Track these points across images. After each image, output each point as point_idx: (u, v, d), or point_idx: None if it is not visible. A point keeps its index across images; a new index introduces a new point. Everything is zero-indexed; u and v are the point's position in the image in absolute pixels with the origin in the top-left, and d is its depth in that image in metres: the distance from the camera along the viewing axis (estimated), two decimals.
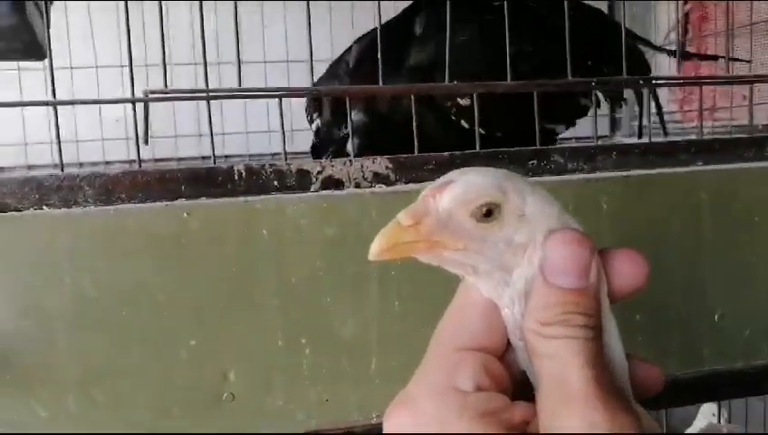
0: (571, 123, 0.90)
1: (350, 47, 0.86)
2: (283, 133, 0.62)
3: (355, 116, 0.73)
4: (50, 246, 0.54)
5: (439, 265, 0.35)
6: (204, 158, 1.35)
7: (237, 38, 0.62)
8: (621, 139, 1.79)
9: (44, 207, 0.55)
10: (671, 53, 1.11)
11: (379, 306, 0.60)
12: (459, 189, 0.33)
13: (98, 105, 1.09)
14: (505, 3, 0.62)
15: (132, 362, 0.56)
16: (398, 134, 0.62)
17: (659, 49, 1.12)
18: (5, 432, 0.55)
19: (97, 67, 1.42)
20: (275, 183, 0.59)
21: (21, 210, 0.54)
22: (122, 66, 1.58)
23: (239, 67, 0.61)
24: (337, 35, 1.34)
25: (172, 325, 0.56)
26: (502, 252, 0.34)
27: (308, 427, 0.60)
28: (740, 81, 0.95)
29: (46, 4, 0.57)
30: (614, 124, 1.84)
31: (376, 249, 0.33)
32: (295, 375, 0.59)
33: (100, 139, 1.54)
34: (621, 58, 0.68)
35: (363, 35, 0.85)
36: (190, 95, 0.60)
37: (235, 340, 0.58)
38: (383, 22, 0.62)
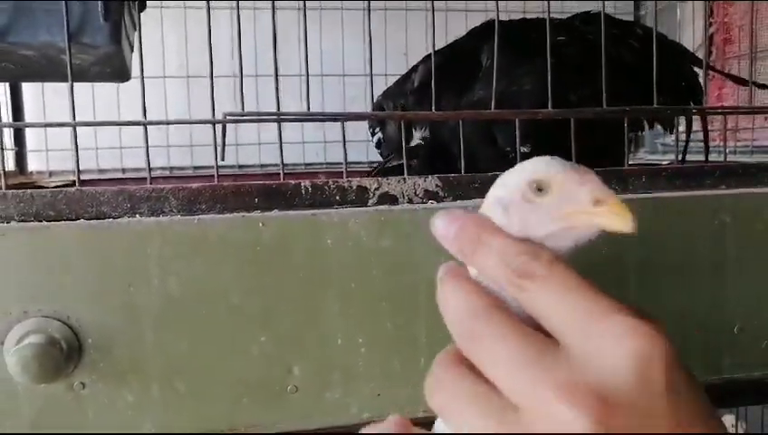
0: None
1: (417, 65, 0.91)
2: (345, 151, 0.68)
3: (418, 135, 0.79)
4: (140, 251, 0.61)
5: None
6: (262, 165, 1.44)
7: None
8: (644, 155, 1.84)
9: (136, 216, 0.62)
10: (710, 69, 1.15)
11: (427, 310, 0.66)
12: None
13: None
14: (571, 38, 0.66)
15: (209, 356, 0.63)
16: (455, 160, 0.68)
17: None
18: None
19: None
20: (337, 198, 0.66)
21: (116, 218, 0.61)
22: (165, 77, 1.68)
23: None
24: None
25: (245, 324, 0.63)
26: None
27: (360, 419, 0.66)
28: None
29: (138, 32, 0.64)
30: (637, 142, 1.89)
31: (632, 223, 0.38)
32: (352, 371, 0.66)
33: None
34: (680, 86, 0.73)
35: (428, 56, 0.90)
36: (262, 118, 0.66)
37: (300, 338, 0.64)
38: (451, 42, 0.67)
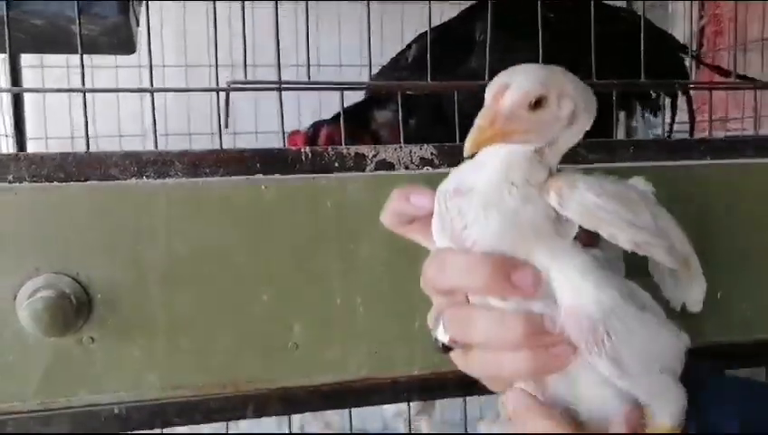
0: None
1: (410, 44, 0.95)
2: (342, 119, 0.71)
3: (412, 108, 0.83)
4: (147, 211, 0.64)
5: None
6: None
7: (308, 43, 0.71)
8: None
9: (143, 178, 0.64)
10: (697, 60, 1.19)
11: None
12: (515, 93, 0.45)
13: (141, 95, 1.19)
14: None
15: (213, 313, 0.65)
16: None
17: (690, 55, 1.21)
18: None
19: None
20: (336, 164, 0.69)
21: (123, 180, 0.64)
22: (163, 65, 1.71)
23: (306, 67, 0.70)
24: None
25: (247, 283, 0.66)
26: (552, 126, 0.46)
27: (358, 376, 0.69)
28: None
29: (147, 4, 0.67)
30: (629, 133, 1.91)
31: (468, 147, 0.44)
32: (350, 330, 0.68)
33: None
34: (667, 68, 0.76)
35: (422, 34, 0.94)
36: (266, 86, 0.69)
37: (301, 297, 0.67)
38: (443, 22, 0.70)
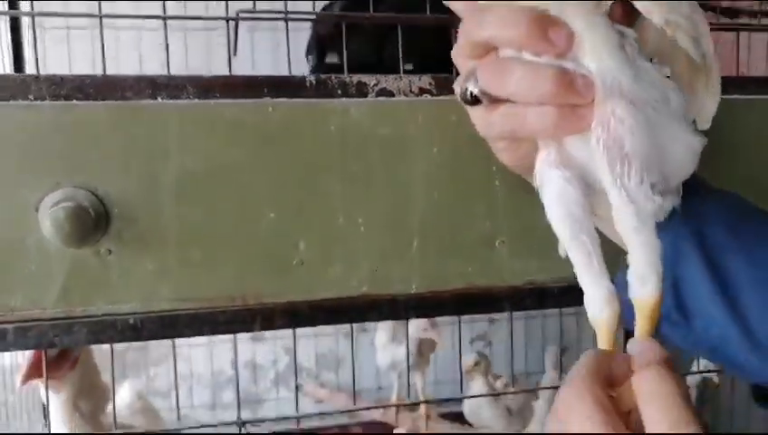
0: None
1: None
2: (344, 52, 0.75)
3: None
4: (161, 130, 0.67)
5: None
6: None
7: None
8: None
9: (157, 99, 0.68)
10: None
11: (422, 196, 0.73)
12: None
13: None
14: None
15: (223, 229, 0.69)
16: None
17: None
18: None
19: None
20: (339, 91, 0.72)
21: (138, 101, 0.68)
22: None
23: None
24: None
25: (255, 200, 0.70)
26: None
27: (359, 292, 0.73)
28: None
29: None
30: None
31: None
32: (351, 248, 0.72)
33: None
34: None
35: None
36: (271, 16, 0.73)
37: (306, 215, 0.71)
38: None
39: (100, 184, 0.66)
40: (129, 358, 2.79)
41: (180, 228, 0.69)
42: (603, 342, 0.52)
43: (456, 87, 0.56)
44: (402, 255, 0.73)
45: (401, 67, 0.83)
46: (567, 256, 0.55)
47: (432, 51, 0.82)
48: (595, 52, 0.49)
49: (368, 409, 2.33)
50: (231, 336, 2.86)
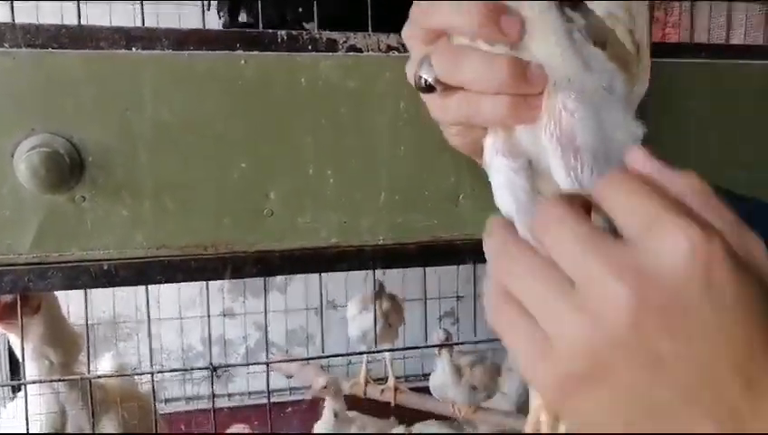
0: None
1: None
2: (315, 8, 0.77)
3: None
4: (136, 79, 0.69)
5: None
6: None
7: None
8: None
9: (132, 49, 0.69)
10: None
11: (389, 150, 0.76)
12: None
13: None
14: None
15: (196, 178, 0.71)
16: None
17: None
18: None
19: None
20: (310, 47, 0.74)
21: (113, 51, 0.69)
22: None
23: None
24: None
25: (227, 150, 0.72)
26: None
27: (328, 243, 0.76)
28: None
29: None
30: None
31: None
32: (321, 199, 0.75)
33: None
34: None
35: None
36: None
37: (277, 166, 0.73)
38: None
39: (75, 132, 0.68)
40: (99, 332, 2.79)
41: (154, 177, 0.70)
42: None
43: (409, 72, 0.56)
44: (370, 207, 0.76)
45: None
46: None
47: (332, 13, 0.86)
48: (544, 40, 0.49)
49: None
50: (202, 311, 2.88)
